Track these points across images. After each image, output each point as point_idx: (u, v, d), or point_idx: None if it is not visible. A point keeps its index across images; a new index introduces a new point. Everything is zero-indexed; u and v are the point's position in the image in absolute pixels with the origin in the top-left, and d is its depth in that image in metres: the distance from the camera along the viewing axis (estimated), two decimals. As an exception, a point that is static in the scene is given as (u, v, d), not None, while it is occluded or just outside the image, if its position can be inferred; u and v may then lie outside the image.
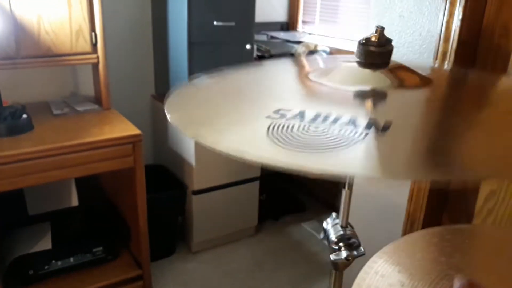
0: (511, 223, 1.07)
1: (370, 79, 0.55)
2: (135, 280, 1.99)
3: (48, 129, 1.72)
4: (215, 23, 2.00)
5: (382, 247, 0.84)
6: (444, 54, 1.18)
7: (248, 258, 2.30)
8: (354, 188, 0.72)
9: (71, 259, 1.90)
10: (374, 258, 0.80)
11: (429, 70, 0.75)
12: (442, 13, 1.17)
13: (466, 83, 0.69)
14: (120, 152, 1.73)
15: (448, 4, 1.15)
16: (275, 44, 2.47)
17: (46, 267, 1.85)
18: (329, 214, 0.73)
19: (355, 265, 0.75)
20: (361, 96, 0.52)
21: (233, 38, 2.07)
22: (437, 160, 0.40)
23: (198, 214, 2.23)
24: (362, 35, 0.54)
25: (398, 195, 1.39)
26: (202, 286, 2.09)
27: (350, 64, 0.56)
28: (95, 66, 1.93)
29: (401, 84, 0.53)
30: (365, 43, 0.52)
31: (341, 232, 0.62)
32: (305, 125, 0.44)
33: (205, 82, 0.67)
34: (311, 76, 0.57)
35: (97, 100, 2.04)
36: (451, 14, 1.14)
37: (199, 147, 2.08)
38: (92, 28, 1.81)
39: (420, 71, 0.63)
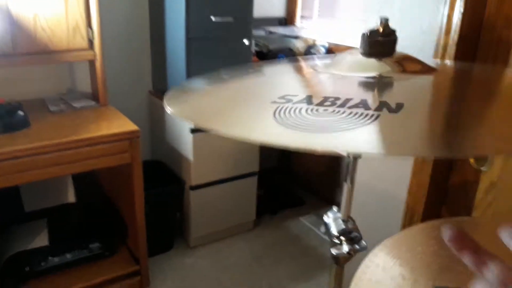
0: (511, 215, 1.07)
1: (377, 67, 0.54)
2: (132, 275, 1.99)
3: (44, 126, 1.71)
4: (213, 18, 1.99)
5: (381, 240, 0.84)
6: (445, 47, 1.18)
7: (247, 253, 2.30)
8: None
9: (68, 256, 1.89)
10: (374, 251, 0.80)
11: (432, 63, 0.75)
12: (443, 6, 1.16)
13: (471, 73, 0.69)
14: (118, 149, 1.72)
15: (449, -3, 1.15)
16: (273, 39, 2.46)
17: (43, 263, 1.84)
18: (326, 208, 0.73)
19: (355, 258, 0.75)
20: (369, 82, 0.51)
21: (231, 33, 2.06)
22: (451, 138, 0.39)
23: (196, 209, 2.23)
24: (362, 29, 0.54)
25: (398, 188, 1.39)
26: (200, 281, 2.09)
27: (355, 55, 0.56)
28: (92, 62, 1.92)
29: (406, 71, 0.53)
30: (370, 35, 0.51)
31: (343, 226, 0.62)
32: (313, 108, 0.43)
33: (204, 86, 0.66)
34: (316, 68, 0.56)
35: (94, 96, 2.03)
36: (452, 7, 1.14)
37: (197, 142, 2.08)
38: (89, 25, 1.80)
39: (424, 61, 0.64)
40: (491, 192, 1.07)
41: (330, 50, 2.45)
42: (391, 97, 0.45)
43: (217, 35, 2.02)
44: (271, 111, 0.43)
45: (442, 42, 1.19)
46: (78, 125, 1.74)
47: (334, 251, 0.62)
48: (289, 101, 0.45)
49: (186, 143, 2.12)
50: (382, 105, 0.42)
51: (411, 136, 0.39)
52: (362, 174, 1.48)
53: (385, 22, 0.51)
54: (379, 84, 0.51)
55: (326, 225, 0.64)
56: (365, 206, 1.50)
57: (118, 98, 2.18)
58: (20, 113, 1.66)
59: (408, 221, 1.37)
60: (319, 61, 0.75)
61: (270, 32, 2.58)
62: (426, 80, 0.53)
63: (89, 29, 1.80)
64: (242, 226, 2.46)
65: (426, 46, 1.24)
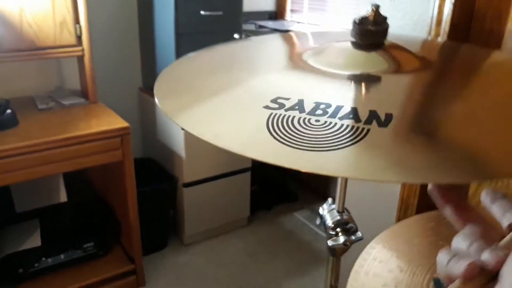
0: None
1: (366, 61, 0.53)
2: (127, 275, 1.97)
3: (33, 124, 1.68)
4: (202, 12, 1.96)
5: (376, 233, 0.84)
6: (436, 38, 1.17)
7: (241, 249, 2.29)
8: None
9: (62, 256, 1.87)
10: (371, 244, 0.79)
11: (421, 43, 0.74)
12: (433, -3, 1.16)
13: (458, 56, 0.68)
14: (108, 146, 1.70)
15: (439, -12, 1.14)
16: (263, 34, 2.45)
17: (36, 264, 1.82)
18: (320, 203, 0.72)
19: (352, 252, 0.74)
20: (358, 80, 0.50)
21: (221, 27, 2.04)
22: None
23: (190, 206, 2.22)
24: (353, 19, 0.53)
25: (391, 181, 1.38)
26: (195, 278, 2.08)
27: (344, 44, 0.54)
28: (80, 58, 1.89)
29: (396, 67, 0.52)
30: (360, 22, 0.50)
31: (338, 218, 0.61)
32: (305, 118, 0.42)
33: (193, 59, 0.64)
34: (304, 57, 0.55)
35: (83, 93, 2.00)
36: (443, -2, 1.13)
37: (188, 139, 2.06)
38: (76, 20, 1.77)
39: (412, 48, 0.63)
40: (485, 182, 1.07)
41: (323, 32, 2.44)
42: (381, 104, 0.44)
43: (206, 30, 2.00)
44: (264, 119, 0.42)
45: (433, 33, 1.19)
46: (67, 122, 1.71)
47: (330, 243, 0.60)
48: (281, 106, 0.44)
49: (178, 140, 2.10)
50: (371, 117, 0.42)
51: (399, 159, 0.38)
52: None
53: (376, 9, 0.50)
54: (368, 85, 0.49)
55: (321, 217, 0.63)
56: (359, 199, 1.49)
57: (108, 95, 2.15)
58: (8, 111, 1.63)
59: (403, 213, 1.36)
60: (309, 40, 0.73)
61: (260, 26, 2.57)
62: (414, 77, 0.52)
63: (77, 25, 1.77)
64: (236, 222, 2.45)
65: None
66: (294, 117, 0.42)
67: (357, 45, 0.54)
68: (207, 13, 1.97)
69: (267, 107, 0.44)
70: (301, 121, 0.42)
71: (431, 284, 0.68)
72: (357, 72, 0.51)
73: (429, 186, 0.39)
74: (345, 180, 0.68)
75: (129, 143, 1.74)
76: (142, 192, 1.90)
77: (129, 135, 1.73)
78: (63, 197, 2.04)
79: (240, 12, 2.08)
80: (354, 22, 0.51)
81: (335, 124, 0.41)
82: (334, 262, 0.66)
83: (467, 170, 0.38)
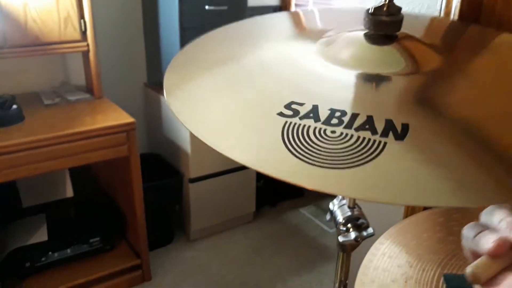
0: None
1: (380, 58, 0.52)
2: (133, 269, 1.97)
3: (39, 120, 1.68)
4: (207, 7, 1.95)
5: (385, 228, 0.83)
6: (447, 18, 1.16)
7: (247, 245, 2.29)
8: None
9: (68, 251, 1.88)
10: (380, 239, 0.79)
11: (428, 22, 0.72)
12: (442, -12, 1.14)
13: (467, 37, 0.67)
14: (114, 141, 1.70)
15: (447, -20, 1.13)
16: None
17: (42, 259, 1.83)
18: (326, 199, 0.71)
19: (360, 247, 0.73)
20: (372, 82, 0.49)
21: (225, 22, 2.01)
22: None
23: (195, 202, 2.22)
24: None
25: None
26: (201, 273, 2.08)
27: (356, 35, 0.53)
28: (85, 54, 1.88)
29: (413, 66, 0.50)
30: (374, 12, 0.49)
31: (349, 213, 0.60)
32: (320, 128, 0.41)
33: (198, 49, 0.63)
34: (315, 50, 0.54)
35: (89, 89, 2.00)
36: (451, -11, 1.12)
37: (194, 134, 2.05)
38: (81, 15, 1.76)
39: (422, 31, 0.62)
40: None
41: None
42: (397, 112, 0.43)
43: (211, 24, 1.98)
44: (279, 130, 0.41)
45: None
46: (73, 118, 1.71)
47: (341, 239, 0.60)
48: (296, 113, 0.43)
49: (184, 136, 2.10)
50: (388, 128, 0.40)
51: (414, 180, 0.37)
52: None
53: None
54: (383, 88, 0.48)
55: (331, 213, 0.62)
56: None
57: (113, 91, 2.14)
58: (14, 107, 1.63)
59: (411, 209, 1.35)
60: (314, 25, 0.71)
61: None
62: (431, 79, 0.50)
63: (82, 20, 1.76)
64: (241, 218, 2.44)
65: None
66: (309, 127, 0.41)
67: (370, 37, 0.53)
68: (212, 7, 1.96)
69: (281, 114, 0.43)
70: (316, 132, 0.40)
71: (441, 280, 0.67)
72: (371, 71, 0.49)
73: None
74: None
75: (134, 139, 1.74)
76: (148, 187, 1.90)
77: (134, 130, 1.73)
78: (69, 192, 2.05)
79: (244, 7, 2.07)
80: (367, 12, 0.50)
81: (352, 136, 0.40)
82: (344, 258, 0.65)
83: (490, 192, 0.37)
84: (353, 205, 0.61)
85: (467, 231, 0.36)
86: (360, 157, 0.38)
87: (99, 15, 2.05)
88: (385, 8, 0.49)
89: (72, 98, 1.90)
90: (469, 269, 0.34)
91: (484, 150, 0.41)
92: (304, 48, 0.56)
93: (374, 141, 0.39)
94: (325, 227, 2.44)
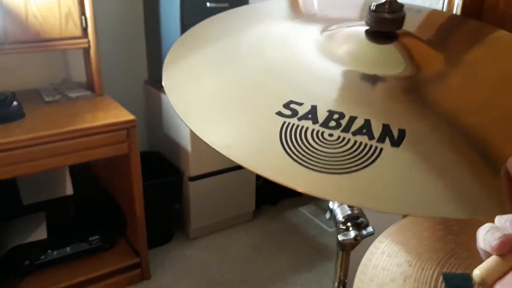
0: None
1: (381, 58, 0.51)
2: (133, 268, 1.97)
3: (39, 117, 1.68)
4: (208, 4, 1.95)
5: (385, 227, 0.82)
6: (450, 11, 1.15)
7: (246, 243, 2.29)
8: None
9: (68, 249, 1.88)
10: (379, 238, 0.78)
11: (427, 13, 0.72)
12: (444, -14, 1.14)
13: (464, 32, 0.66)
14: (115, 139, 1.69)
15: (449, -22, 1.12)
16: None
17: (42, 257, 1.83)
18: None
19: (360, 246, 0.73)
20: (371, 83, 0.48)
21: (226, 20, 2.02)
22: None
23: (195, 200, 2.21)
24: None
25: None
26: (200, 272, 2.08)
27: (357, 30, 0.53)
28: (86, 51, 1.88)
29: (414, 68, 0.49)
30: (376, 9, 0.48)
31: (349, 212, 0.60)
32: (318, 130, 0.41)
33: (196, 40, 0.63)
34: (315, 46, 0.53)
35: (89, 86, 2.00)
36: (453, -13, 1.12)
37: (194, 132, 2.05)
38: (82, 12, 1.76)
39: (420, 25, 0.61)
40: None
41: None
42: (394, 117, 0.43)
43: (213, 22, 1.98)
44: (277, 130, 0.41)
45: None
46: (73, 115, 1.71)
47: (340, 237, 0.59)
48: (294, 113, 0.42)
49: (184, 133, 2.10)
50: (384, 133, 0.40)
51: (407, 189, 0.37)
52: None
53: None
54: (382, 89, 0.47)
55: (331, 211, 0.62)
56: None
57: (114, 88, 2.14)
58: (15, 103, 1.63)
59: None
60: (312, 10, 0.71)
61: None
62: (429, 82, 0.50)
63: (83, 17, 1.76)
64: (241, 216, 2.44)
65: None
66: (307, 128, 0.41)
67: (371, 34, 0.52)
68: (213, 4, 1.96)
69: (280, 113, 0.43)
70: (314, 134, 0.40)
71: (440, 279, 0.67)
72: (371, 72, 0.49)
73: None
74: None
75: (135, 136, 1.74)
76: (147, 185, 1.90)
77: (135, 128, 1.73)
78: (69, 190, 2.05)
79: (245, 4, 2.06)
80: (370, 9, 0.49)
81: (348, 140, 0.39)
82: (344, 257, 0.65)
83: (488, 204, 0.36)
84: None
85: (480, 230, 0.37)
86: (356, 163, 0.38)
87: (100, 12, 2.05)
88: (387, 6, 0.48)
89: (72, 95, 1.90)
90: (476, 271, 0.34)
91: (484, 159, 0.41)
92: (304, 43, 0.55)
93: (371, 146, 0.39)
94: (325, 226, 2.44)
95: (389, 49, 0.52)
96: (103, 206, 2.14)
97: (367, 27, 0.51)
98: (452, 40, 0.62)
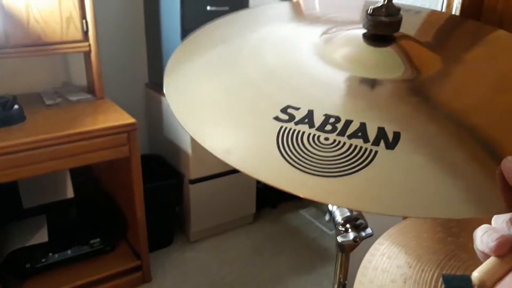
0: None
1: (379, 62, 0.52)
2: (133, 271, 1.97)
3: (40, 120, 1.69)
4: (208, 8, 1.96)
5: (385, 229, 0.83)
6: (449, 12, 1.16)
7: (247, 246, 2.29)
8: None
9: (69, 252, 1.88)
10: (379, 240, 0.79)
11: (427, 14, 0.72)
12: (443, -13, 1.15)
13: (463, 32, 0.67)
14: (115, 142, 1.70)
15: (448, -20, 1.13)
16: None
17: (43, 260, 1.83)
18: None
19: (360, 248, 0.73)
20: (368, 87, 0.49)
21: (227, 23, 2.03)
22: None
23: (196, 203, 2.22)
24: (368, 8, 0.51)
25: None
26: (201, 275, 2.08)
27: (355, 34, 0.53)
28: (87, 54, 1.89)
29: (413, 72, 0.50)
30: (373, 13, 0.49)
31: (348, 214, 0.60)
32: (314, 134, 0.41)
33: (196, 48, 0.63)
34: (312, 50, 0.54)
35: (90, 89, 2.01)
36: (452, -11, 1.12)
37: (195, 135, 2.06)
38: (83, 16, 1.77)
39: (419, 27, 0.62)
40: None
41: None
42: (390, 119, 0.43)
43: (213, 25, 1.99)
44: (274, 134, 0.41)
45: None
46: (74, 118, 1.71)
47: (340, 239, 0.60)
48: (291, 118, 0.43)
49: (184, 136, 2.10)
50: (380, 136, 0.40)
51: (404, 190, 0.37)
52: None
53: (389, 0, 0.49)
54: (379, 92, 0.48)
55: (330, 213, 0.62)
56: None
57: (114, 91, 2.15)
58: (16, 107, 1.64)
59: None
60: (314, 12, 0.71)
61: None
62: (426, 85, 0.50)
63: (83, 21, 1.77)
64: (242, 219, 2.44)
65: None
66: (303, 133, 0.41)
67: (369, 38, 0.53)
68: (213, 8, 1.97)
69: (277, 118, 0.43)
70: (310, 138, 0.41)
71: (440, 280, 0.67)
72: (369, 75, 0.49)
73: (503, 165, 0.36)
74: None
75: (135, 139, 1.74)
76: (148, 188, 1.91)
77: (135, 131, 1.73)
78: (70, 193, 2.05)
79: (246, 8, 2.07)
80: (366, 13, 0.50)
81: (344, 144, 0.40)
82: (343, 259, 0.65)
83: (483, 205, 0.36)
84: (352, 205, 0.61)
85: (477, 231, 0.37)
86: (351, 166, 0.38)
87: (101, 16, 2.06)
88: (384, 9, 0.49)
89: (73, 98, 1.91)
90: (475, 274, 0.34)
91: (491, 156, 0.41)
92: (304, 47, 0.56)
93: (366, 149, 0.39)
94: (325, 229, 2.44)
95: (387, 52, 0.53)
96: (104, 209, 2.15)
97: (364, 30, 0.52)
98: (453, 40, 0.63)
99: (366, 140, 0.40)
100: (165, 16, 2.07)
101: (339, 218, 0.61)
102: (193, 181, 2.16)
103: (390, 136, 0.40)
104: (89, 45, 1.82)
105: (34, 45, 1.70)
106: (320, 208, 2.65)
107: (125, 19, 2.23)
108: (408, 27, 0.57)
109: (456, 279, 0.66)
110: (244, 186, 2.36)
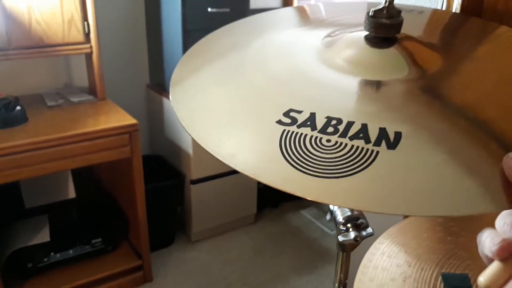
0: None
1: (382, 63, 0.52)
2: (135, 270, 1.98)
3: (42, 121, 1.70)
4: (209, 9, 1.97)
5: (385, 228, 0.84)
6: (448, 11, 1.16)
7: (248, 246, 2.30)
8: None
9: (70, 251, 1.89)
10: (380, 239, 0.79)
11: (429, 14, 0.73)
12: (443, -12, 1.15)
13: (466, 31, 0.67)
14: (117, 142, 1.71)
15: (448, -19, 1.13)
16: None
17: (45, 259, 1.84)
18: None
19: (360, 247, 0.74)
20: (370, 88, 0.49)
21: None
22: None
23: (197, 203, 2.23)
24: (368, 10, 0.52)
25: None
26: (202, 275, 2.09)
27: (357, 36, 0.54)
28: (89, 56, 1.90)
29: (418, 71, 0.50)
30: (374, 15, 0.50)
31: (349, 213, 0.61)
32: (316, 137, 0.42)
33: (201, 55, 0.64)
34: (315, 53, 0.54)
35: (92, 90, 2.02)
36: (452, -10, 1.13)
37: (196, 136, 2.07)
38: (85, 18, 1.78)
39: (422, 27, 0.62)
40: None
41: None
42: (392, 120, 0.44)
43: (214, 26, 2.00)
44: (277, 138, 0.42)
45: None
46: (76, 119, 1.72)
47: (340, 238, 0.61)
48: (294, 121, 0.44)
49: (185, 137, 2.11)
50: (381, 136, 0.41)
51: (405, 189, 0.38)
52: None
53: (390, 2, 0.50)
54: (380, 93, 0.48)
55: (331, 213, 0.63)
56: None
57: (116, 92, 2.16)
58: (18, 108, 1.65)
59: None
60: (319, 17, 0.72)
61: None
62: (431, 84, 0.51)
63: (85, 22, 1.78)
64: (243, 219, 2.45)
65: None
66: (306, 135, 0.42)
67: (370, 40, 0.53)
68: (214, 10, 1.98)
69: (280, 122, 0.44)
70: (312, 141, 0.41)
71: (439, 278, 0.68)
72: (370, 77, 0.50)
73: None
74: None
75: (137, 140, 1.75)
76: (149, 188, 1.92)
77: (137, 131, 1.74)
78: (71, 193, 2.06)
79: (247, 9, 2.08)
80: (368, 15, 0.51)
81: (346, 145, 0.41)
82: (344, 258, 0.66)
83: (483, 202, 0.37)
84: (352, 205, 0.62)
85: (479, 235, 0.37)
86: (352, 166, 0.39)
87: (103, 17, 2.07)
88: (385, 11, 0.50)
89: (75, 99, 1.92)
90: (480, 278, 0.34)
91: (483, 158, 0.41)
92: (306, 51, 0.56)
93: (367, 150, 0.40)
94: (326, 229, 2.45)
95: (390, 54, 0.53)
96: (106, 209, 2.16)
97: (366, 33, 0.53)
98: (459, 38, 0.64)
99: (367, 140, 0.41)
100: (166, 18, 2.08)
101: (340, 218, 0.62)
102: (194, 182, 2.17)
103: (392, 136, 0.41)
104: (91, 47, 1.83)
105: (36, 47, 1.71)
106: (321, 208, 2.65)
107: (126, 21, 2.24)
108: (413, 27, 0.58)
109: (455, 277, 0.67)
110: (245, 186, 2.36)
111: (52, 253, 1.85)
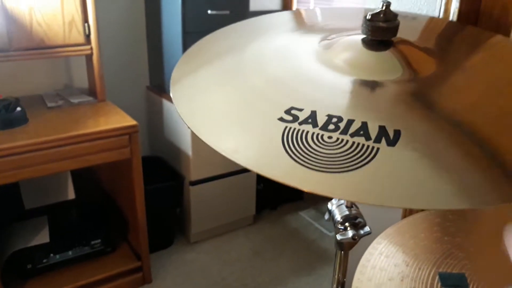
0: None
1: (378, 65, 0.53)
2: (134, 271, 1.98)
3: (42, 122, 1.70)
4: (209, 12, 1.98)
5: (383, 228, 0.84)
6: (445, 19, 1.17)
7: (247, 248, 2.30)
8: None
9: (70, 252, 1.89)
10: (377, 239, 0.80)
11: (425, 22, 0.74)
12: (441, -7, 1.16)
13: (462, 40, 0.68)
14: (117, 144, 1.72)
15: (445, -14, 1.14)
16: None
17: (44, 260, 1.84)
18: (326, 203, 0.73)
19: (358, 247, 0.75)
20: (368, 88, 0.50)
21: (227, 27, 2.05)
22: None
23: (196, 204, 2.23)
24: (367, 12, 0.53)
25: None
26: (201, 276, 2.09)
27: (354, 39, 0.55)
28: (89, 57, 1.91)
29: (411, 73, 0.51)
30: (371, 19, 0.51)
31: (347, 212, 0.62)
32: (318, 133, 0.43)
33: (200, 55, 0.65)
34: (314, 55, 0.55)
35: (92, 92, 2.02)
36: (449, -5, 1.14)
37: (195, 137, 2.07)
38: (85, 19, 1.79)
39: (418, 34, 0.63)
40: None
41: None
42: (390, 118, 0.45)
43: (213, 29, 2.01)
44: (279, 134, 0.43)
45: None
46: (76, 120, 1.73)
47: (339, 237, 0.61)
48: (295, 119, 0.45)
49: (185, 138, 2.12)
50: (381, 134, 0.42)
51: (404, 184, 0.39)
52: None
53: (387, 5, 0.51)
54: (379, 93, 0.49)
55: (330, 212, 0.64)
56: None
57: (116, 94, 2.17)
58: (18, 109, 1.65)
59: (409, 209, 1.37)
60: (315, 22, 0.73)
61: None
62: (426, 84, 0.52)
63: (86, 24, 1.79)
64: (242, 221, 2.46)
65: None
66: (307, 132, 0.43)
67: (367, 42, 0.54)
68: (214, 12, 1.99)
69: (281, 119, 0.45)
70: (314, 137, 0.42)
71: (437, 278, 0.69)
72: (368, 78, 0.51)
73: None
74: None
75: (137, 141, 1.76)
76: (149, 190, 1.92)
77: (137, 133, 1.75)
78: (71, 195, 2.06)
79: (246, 11, 2.09)
80: (365, 18, 0.52)
81: (347, 142, 0.42)
82: (342, 257, 0.67)
83: (484, 195, 0.38)
84: (350, 205, 0.63)
85: None
86: (354, 162, 0.40)
87: (103, 19, 2.08)
88: (382, 15, 0.51)
89: (75, 100, 1.92)
90: None
91: (479, 154, 0.42)
92: (305, 53, 0.57)
93: (368, 146, 0.41)
94: (325, 230, 2.45)
95: (386, 56, 0.54)
96: (105, 210, 2.16)
97: (363, 36, 0.54)
98: (453, 45, 0.65)
99: (368, 138, 0.42)
100: (166, 20, 2.09)
101: (338, 217, 0.63)
102: (194, 183, 2.18)
103: (391, 134, 0.42)
104: (91, 48, 1.84)
105: (37, 48, 1.72)
106: (320, 209, 2.66)
107: (126, 23, 2.25)
108: (408, 33, 0.59)
109: (452, 276, 0.68)
110: (244, 187, 2.37)
111: (52, 254, 1.85)
